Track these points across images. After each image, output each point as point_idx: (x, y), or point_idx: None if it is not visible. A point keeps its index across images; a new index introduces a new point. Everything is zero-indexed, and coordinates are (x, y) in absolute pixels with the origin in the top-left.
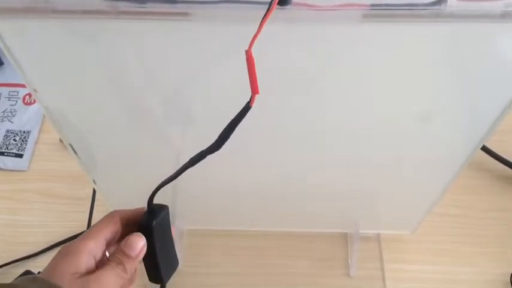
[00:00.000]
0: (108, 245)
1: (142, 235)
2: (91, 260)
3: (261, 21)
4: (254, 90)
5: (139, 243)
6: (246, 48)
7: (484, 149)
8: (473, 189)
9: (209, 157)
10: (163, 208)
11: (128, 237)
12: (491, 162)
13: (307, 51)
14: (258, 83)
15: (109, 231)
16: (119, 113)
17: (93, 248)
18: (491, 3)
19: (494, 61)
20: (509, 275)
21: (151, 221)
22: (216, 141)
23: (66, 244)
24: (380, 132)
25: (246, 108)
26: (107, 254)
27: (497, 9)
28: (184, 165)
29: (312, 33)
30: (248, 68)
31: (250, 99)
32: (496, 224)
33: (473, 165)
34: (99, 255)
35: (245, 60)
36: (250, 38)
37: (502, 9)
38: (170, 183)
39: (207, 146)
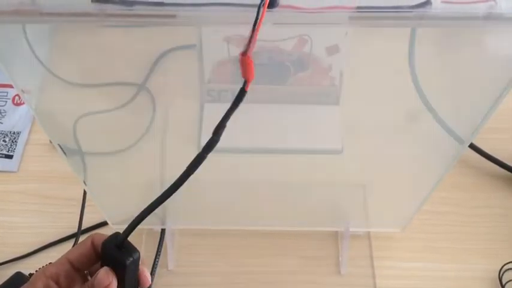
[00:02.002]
0: (81, 268)
1: (111, 272)
2: (51, 285)
3: (254, 28)
4: (250, 77)
5: (106, 280)
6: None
7: (473, 147)
8: (462, 187)
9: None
10: (136, 250)
11: (98, 271)
12: (480, 160)
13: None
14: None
15: (75, 255)
16: (108, 113)
17: (54, 273)
18: (475, 5)
19: (479, 61)
20: (498, 272)
21: (126, 258)
22: (213, 133)
23: None
24: (369, 131)
25: (242, 94)
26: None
27: (481, 11)
28: (181, 176)
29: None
30: (244, 66)
31: (245, 84)
32: (484, 221)
33: (462, 163)
34: (63, 279)
35: (239, 61)
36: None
37: (486, 11)
38: (161, 184)
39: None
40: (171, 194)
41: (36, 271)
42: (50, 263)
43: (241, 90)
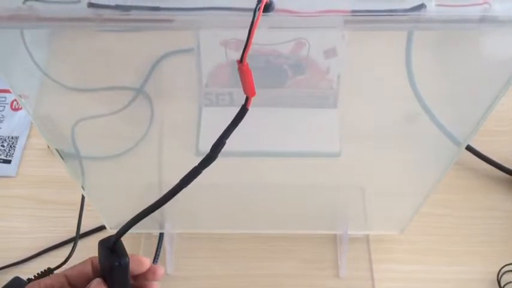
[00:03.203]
0: (78, 286)
1: (103, 283)
2: None
3: (249, 34)
4: (251, 93)
5: None
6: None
7: (471, 149)
8: (460, 189)
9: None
10: (125, 255)
11: (91, 282)
12: (477, 162)
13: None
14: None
15: (74, 271)
16: (106, 117)
17: (48, 284)
18: (469, 8)
19: (475, 62)
20: (496, 274)
21: (113, 262)
22: (211, 150)
23: None
24: (367, 134)
25: (243, 112)
26: None
27: (476, 14)
28: (175, 187)
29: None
30: (243, 76)
31: (246, 102)
32: (483, 223)
33: (460, 165)
34: None
35: (237, 69)
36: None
37: (480, 14)
38: (160, 187)
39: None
40: (163, 204)
41: (34, 276)
42: (49, 267)
43: (243, 108)
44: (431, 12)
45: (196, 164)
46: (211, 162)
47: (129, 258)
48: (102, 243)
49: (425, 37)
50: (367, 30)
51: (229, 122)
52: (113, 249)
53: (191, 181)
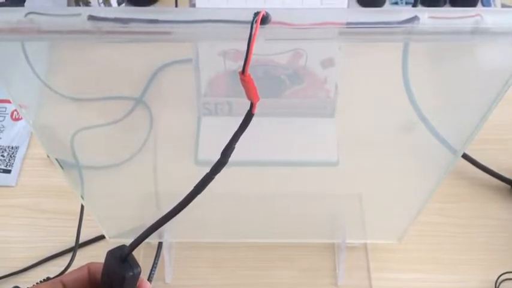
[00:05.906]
0: None
1: None
2: None
3: (249, 47)
4: (255, 99)
5: None
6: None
7: (468, 158)
8: (457, 198)
9: (199, 172)
10: (137, 266)
11: None
12: (474, 171)
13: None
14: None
15: (70, 278)
16: (105, 127)
17: None
18: (461, 21)
19: (469, 72)
20: (494, 282)
21: (126, 272)
22: (221, 155)
23: None
24: (364, 143)
25: (249, 116)
26: None
27: (467, 26)
28: (188, 195)
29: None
30: (246, 86)
31: (252, 107)
32: (480, 232)
33: (457, 174)
34: None
35: (239, 79)
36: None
37: (472, 26)
38: (159, 197)
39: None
40: (178, 213)
41: (33, 285)
42: (48, 277)
43: (248, 113)
44: (425, 24)
45: (208, 171)
46: (222, 167)
47: (141, 268)
48: (112, 254)
49: (421, 48)
50: (361, 42)
51: (238, 127)
52: (125, 259)
53: (204, 188)
